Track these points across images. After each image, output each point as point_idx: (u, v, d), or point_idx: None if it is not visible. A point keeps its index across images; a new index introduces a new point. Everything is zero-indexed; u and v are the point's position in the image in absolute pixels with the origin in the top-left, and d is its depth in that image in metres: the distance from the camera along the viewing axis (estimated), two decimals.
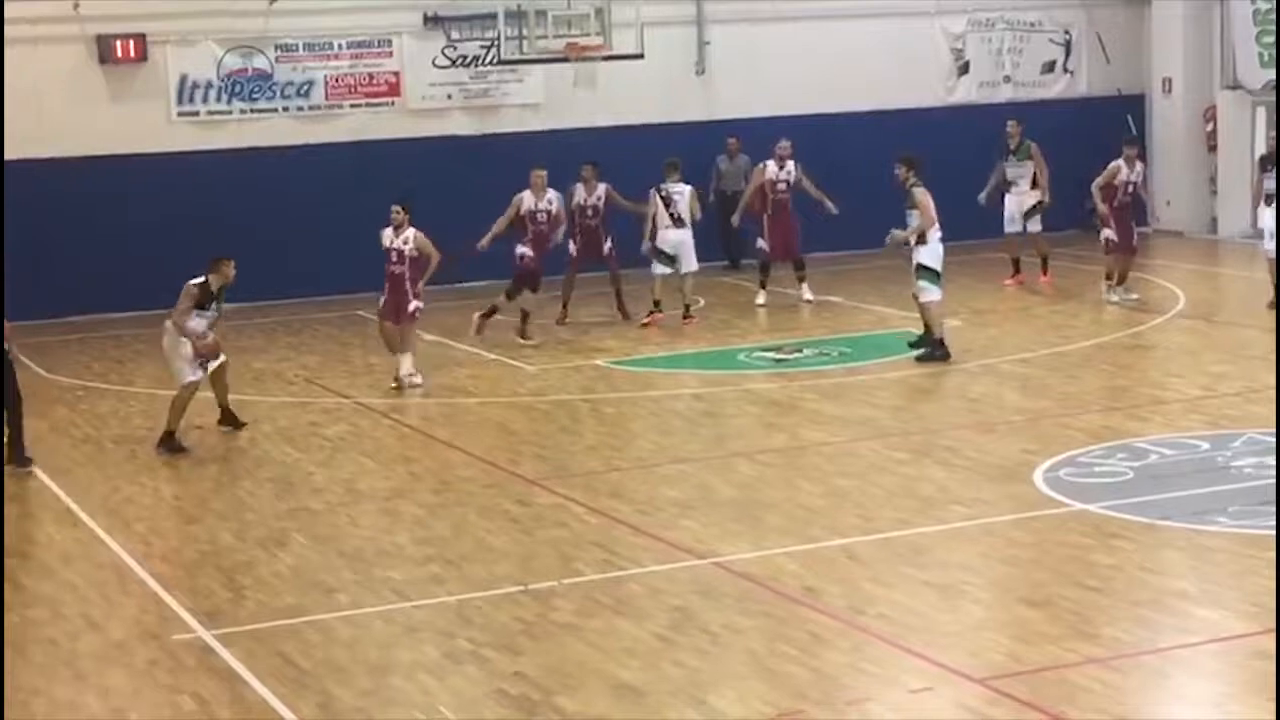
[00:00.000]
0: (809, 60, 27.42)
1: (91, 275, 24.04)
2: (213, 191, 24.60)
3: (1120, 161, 22.11)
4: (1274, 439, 14.08)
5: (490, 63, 26.09)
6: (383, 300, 18.51)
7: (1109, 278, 22.14)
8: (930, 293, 18.68)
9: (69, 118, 24.37)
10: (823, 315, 22.38)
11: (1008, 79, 29.05)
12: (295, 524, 13.51)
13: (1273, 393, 15.75)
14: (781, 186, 23.09)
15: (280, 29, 25.49)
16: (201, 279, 16.34)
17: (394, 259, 18.30)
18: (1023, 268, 23.76)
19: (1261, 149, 25.70)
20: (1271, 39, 26.84)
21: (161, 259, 22.72)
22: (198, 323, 16.25)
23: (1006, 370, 18.32)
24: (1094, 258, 23.83)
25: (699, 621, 10.66)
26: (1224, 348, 19.18)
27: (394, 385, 18.32)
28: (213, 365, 16.47)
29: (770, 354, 19.84)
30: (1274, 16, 26.58)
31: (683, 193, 22.01)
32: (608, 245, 22.34)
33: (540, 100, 26.62)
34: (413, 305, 18.23)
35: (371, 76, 25.97)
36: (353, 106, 25.92)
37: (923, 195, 18.62)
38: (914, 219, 18.74)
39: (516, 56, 24.82)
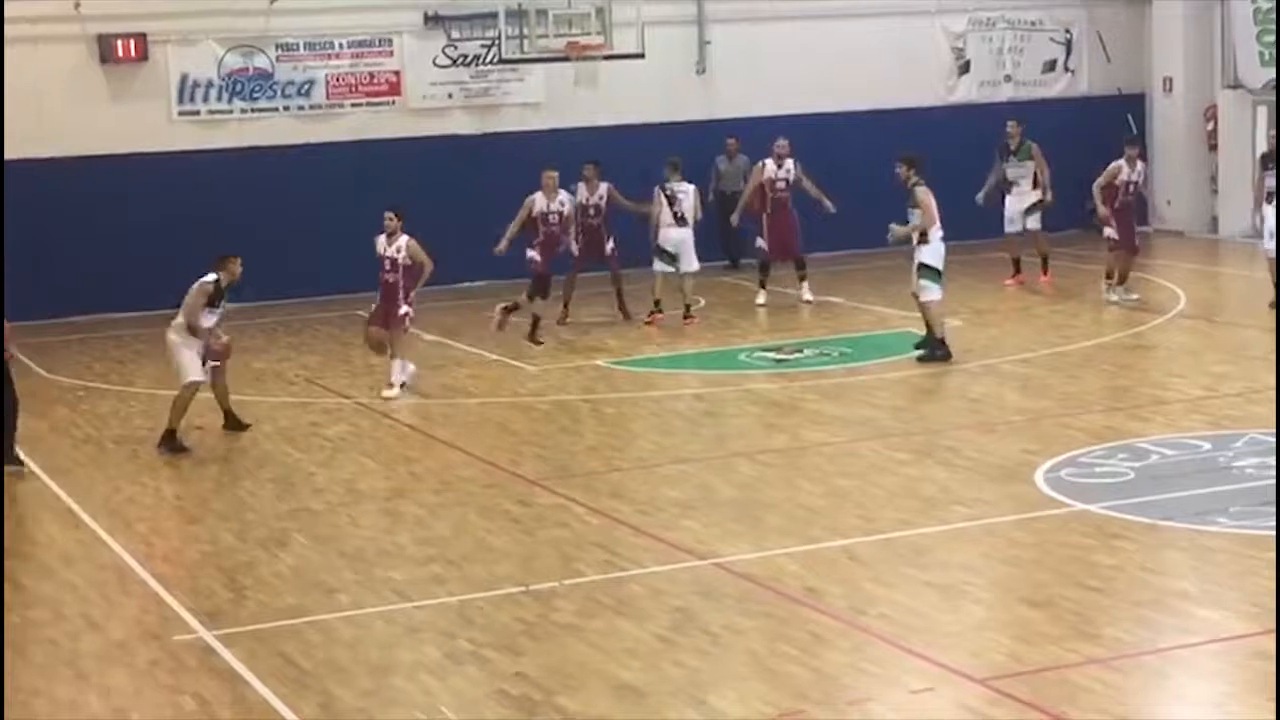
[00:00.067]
0: (809, 59, 27.42)
1: (92, 275, 24.03)
2: (213, 191, 24.59)
3: (1121, 161, 22.12)
4: (1275, 439, 14.08)
5: (491, 62, 26.09)
6: (374, 306, 18.45)
7: (1109, 276, 22.14)
8: (931, 292, 18.68)
9: (69, 117, 24.36)
10: (823, 315, 22.38)
11: (1008, 78, 29.04)
12: (296, 524, 13.52)
13: (1274, 393, 15.74)
14: (780, 185, 23.08)
15: (281, 28, 25.49)
16: (213, 277, 16.38)
17: (387, 267, 18.15)
18: (1023, 267, 23.75)
19: (1262, 148, 25.74)
20: (1272, 38, 26.84)
21: (162, 259, 22.75)
22: (209, 320, 16.32)
23: (1007, 370, 18.32)
24: (1094, 257, 23.83)
25: (700, 622, 10.67)
26: (1225, 348, 19.18)
27: (388, 390, 18.13)
28: (212, 365, 16.49)
29: (771, 354, 19.84)
30: (1274, 16, 26.58)
31: (687, 192, 22.03)
32: (610, 245, 22.34)
33: (541, 99, 26.62)
34: (403, 310, 18.13)
35: (372, 76, 25.98)
36: (353, 106, 25.92)
37: (924, 194, 18.61)
38: (915, 218, 18.73)
39: (517, 56, 24.82)
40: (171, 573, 12.43)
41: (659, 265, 21.91)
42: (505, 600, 11.30)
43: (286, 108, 25.60)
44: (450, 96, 26.36)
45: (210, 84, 25.20)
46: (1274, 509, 12.16)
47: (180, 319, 16.33)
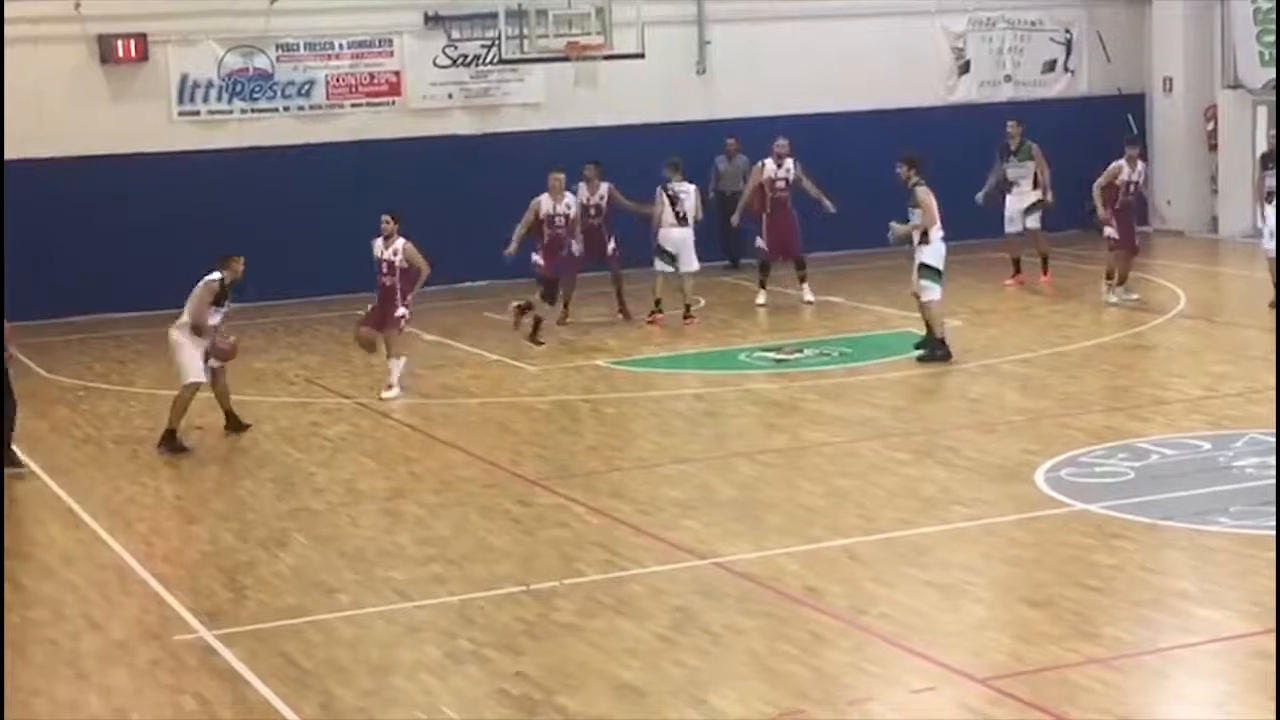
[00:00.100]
0: (810, 59, 27.41)
1: (92, 275, 24.04)
2: (213, 191, 24.59)
3: (1122, 161, 22.12)
4: (1275, 439, 14.08)
5: (491, 62, 26.08)
6: (370, 307, 18.41)
7: (1109, 277, 22.14)
8: (931, 292, 18.68)
9: (69, 117, 24.36)
10: (823, 315, 22.38)
11: (1008, 78, 29.04)
12: (296, 524, 13.52)
13: (1274, 393, 15.74)
14: (780, 185, 23.07)
15: (281, 28, 25.48)
16: (217, 275, 16.39)
17: (384, 270, 18.12)
18: (1023, 267, 23.75)
19: (1262, 148, 25.73)
20: (1272, 38, 26.84)
21: (162, 259, 22.77)
22: (214, 319, 16.35)
23: (1007, 370, 18.32)
24: (1094, 257, 23.83)
25: (700, 621, 10.67)
26: (1225, 348, 19.18)
27: (387, 390, 18.13)
28: (213, 366, 16.49)
29: (771, 354, 19.84)
30: (1274, 16, 26.58)
31: (689, 192, 22.05)
32: (611, 245, 22.34)
33: (541, 100, 26.61)
34: (399, 312, 18.10)
35: (372, 76, 25.97)
36: (353, 106, 25.92)
37: (925, 194, 18.61)
38: (916, 218, 18.73)
39: (517, 56, 24.82)
40: (172, 573, 12.43)
41: (659, 265, 21.93)
42: (506, 600, 11.30)
43: (286, 108, 25.60)
44: (450, 97, 26.36)
45: (210, 84, 25.20)
46: (1274, 509, 12.16)
47: (185, 318, 16.33)
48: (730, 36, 27.35)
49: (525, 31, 24.41)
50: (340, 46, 25.78)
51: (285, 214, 24.85)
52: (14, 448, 15.68)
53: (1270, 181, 22.00)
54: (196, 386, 16.32)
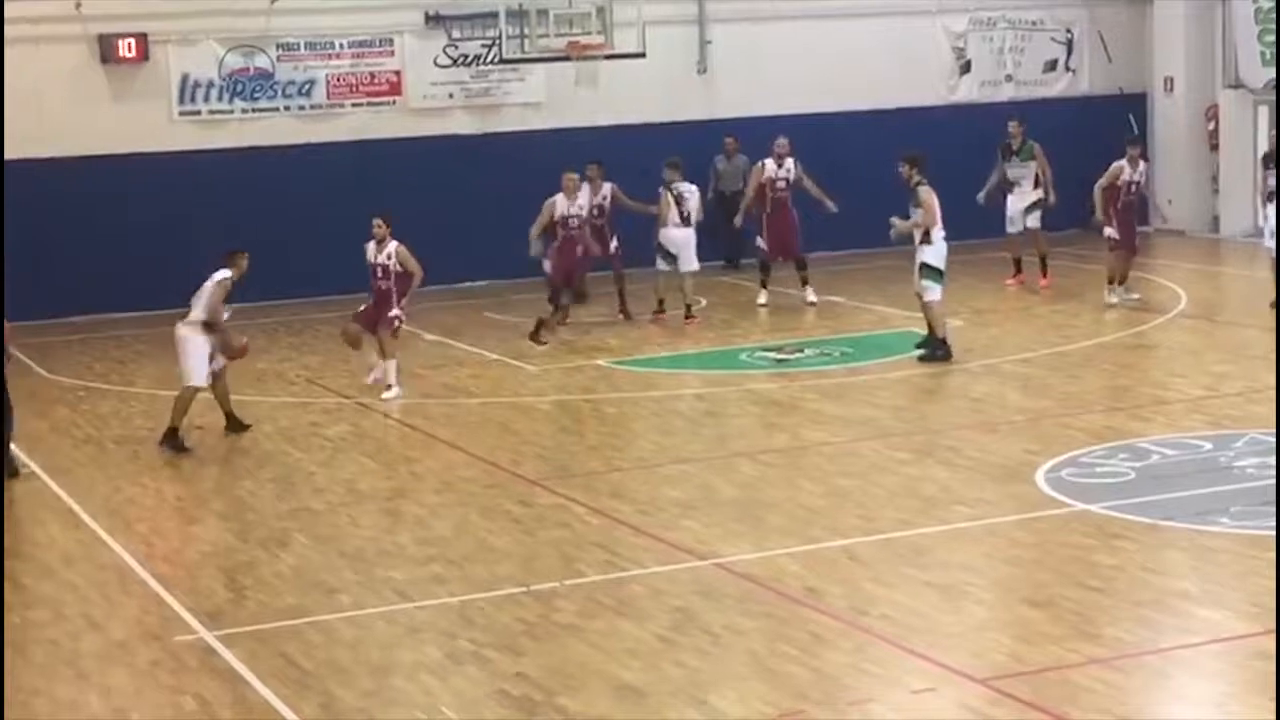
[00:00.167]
0: (810, 59, 27.41)
1: (92, 275, 24.03)
2: (214, 191, 24.59)
3: (1123, 161, 22.10)
4: (1275, 439, 14.07)
5: (492, 62, 26.07)
6: (363, 308, 18.35)
7: (1111, 280, 22.07)
8: (933, 292, 18.68)
9: (70, 117, 24.36)
10: (824, 315, 22.37)
11: (1009, 78, 29.03)
12: (297, 524, 13.51)
13: (1274, 393, 15.73)
14: (780, 185, 23.04)
15: (281, 28, 25.48)
16: (228, 272, 16.40)
17: (379, 274, 18.07)
18: (1024, 267, 23.73)
19: (1263, 147, 25.72)
20: (1273, 38, 26.83)
21: (162, 259, 22.78)
22: (226, 315, 16.39)
23: (1008, 370, 18.31)
24: (1094, 257, 23.81)
25: (700, 622, 10.66)
26: (1226, 347, 19.17)
27: (387, 391, 18.10)
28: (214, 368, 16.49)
29: (772, 354, 19.83)
30: (1275, 15, 26.58)
31: (693, 192, 22.05)
32: (613, 245, 22.33)
33: (542, 99, 26.60)
34: (393, 313, 18.06)
35: (373, 76, 25.96)
36: (354, 106, 25.91)
37: (927, 194, 18.60)
38: (917, 217, 18.70)
39: (518, 55, 24.82)
40: (172, 573, 12.43)
41: (660, 264, 21.92)
42: (506, 600, 11.29)
43: (287, 108, 25.59)
44: (451, 96, 26.34)
45: (211, 84, 25.19)
46: (1275, 509, 12.16)
47: (197, 315, 16.31)
48: (731, 36, 27.34)
49: (526, 31, 24.40)
50: (341, 46, 25.78)
51: (286, 214, 24.84)
52: (14, 451, 15.66)
53: (1271, 181, 21.98)
54: (197, 390, 16.31)
